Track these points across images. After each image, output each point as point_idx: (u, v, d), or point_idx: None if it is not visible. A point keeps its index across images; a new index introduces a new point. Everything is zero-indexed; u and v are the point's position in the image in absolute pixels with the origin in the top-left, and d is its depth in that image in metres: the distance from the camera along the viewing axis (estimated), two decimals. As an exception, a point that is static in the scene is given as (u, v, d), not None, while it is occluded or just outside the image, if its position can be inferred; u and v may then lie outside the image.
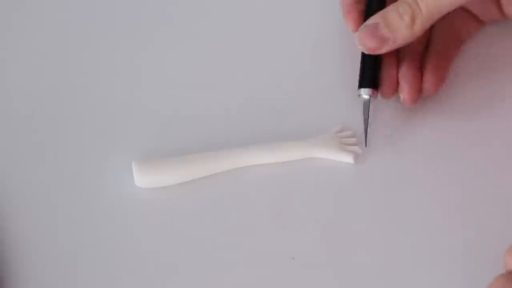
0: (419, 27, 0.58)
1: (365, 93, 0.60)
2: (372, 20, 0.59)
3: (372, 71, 0.61)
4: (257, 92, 0.64)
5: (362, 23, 0.60)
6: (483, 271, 0.54)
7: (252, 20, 0.68)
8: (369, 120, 0.60)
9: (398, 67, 0.61)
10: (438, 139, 0.61)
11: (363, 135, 0.60)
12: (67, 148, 0.61)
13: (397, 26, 0.58)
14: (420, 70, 0.61)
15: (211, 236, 0.57)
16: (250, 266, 0.56)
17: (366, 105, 0.60)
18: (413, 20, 0.58)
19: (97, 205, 0.59)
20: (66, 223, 0.58)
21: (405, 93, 0.60)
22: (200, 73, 0.65)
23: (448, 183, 0.58)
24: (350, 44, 0.66)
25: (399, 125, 0.61)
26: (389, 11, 0.59)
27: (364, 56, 0.61)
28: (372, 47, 0.59)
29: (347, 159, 0.60)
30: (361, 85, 0.61)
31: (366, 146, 0.60)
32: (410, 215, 0.58)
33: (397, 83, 0.61)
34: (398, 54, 0.61)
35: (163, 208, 0.58)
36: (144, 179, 0.59)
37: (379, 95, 0.60)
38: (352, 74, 0.64)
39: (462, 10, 0.63)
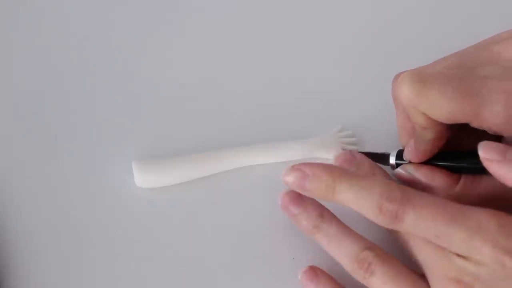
0: None
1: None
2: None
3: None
4: (257, 92, 0.64)
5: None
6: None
7: (252, 20, 0.68)
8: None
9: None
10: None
11: (363, 135, 0.60)
12: (67, 148, 0.61)
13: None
14: None
15: (211, 236, 0.57)
16: (250, 266, 0.56)
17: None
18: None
19: (97, 205, 0.59)
20: (66, 223, 0.58)
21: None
22: (200, 73, 0.65)
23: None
24: (350, 44, 0.66)
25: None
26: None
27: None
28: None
29: (347, 159, 0.60)
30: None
31: None
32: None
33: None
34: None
35: (163, 208, 0.58)
36: (144, 179, 0.59)
37: None
38: (352, 74, 0.64)
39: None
